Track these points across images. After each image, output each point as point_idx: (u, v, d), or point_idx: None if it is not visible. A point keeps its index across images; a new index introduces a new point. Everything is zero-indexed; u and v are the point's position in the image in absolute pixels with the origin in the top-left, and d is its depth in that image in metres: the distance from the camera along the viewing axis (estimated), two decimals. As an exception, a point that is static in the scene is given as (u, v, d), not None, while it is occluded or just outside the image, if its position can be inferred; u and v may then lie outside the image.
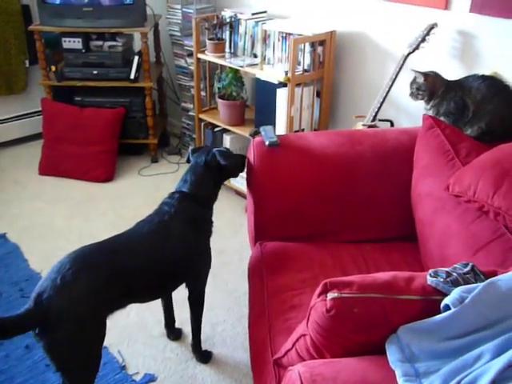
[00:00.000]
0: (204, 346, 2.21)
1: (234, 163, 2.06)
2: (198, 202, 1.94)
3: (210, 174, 1.98)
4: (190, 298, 2.06)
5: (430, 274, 1.27)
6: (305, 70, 2.84)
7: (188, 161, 2.08)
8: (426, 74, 2.17)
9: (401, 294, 1.22)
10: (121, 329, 2.31)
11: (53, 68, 3.53)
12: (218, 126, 3.41)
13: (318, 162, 2.10)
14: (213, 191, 2.02)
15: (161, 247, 1.81)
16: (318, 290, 1.23)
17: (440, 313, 1.20)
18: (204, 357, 2.17)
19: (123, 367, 2.12)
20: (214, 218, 2.03)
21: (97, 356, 1.68)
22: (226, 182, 3.33)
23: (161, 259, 1.80)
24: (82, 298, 1.58)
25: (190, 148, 2.13)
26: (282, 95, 2.85)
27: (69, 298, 1.56)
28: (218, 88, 3.28)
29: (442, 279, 1.24)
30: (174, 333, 2.28)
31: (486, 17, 2.26)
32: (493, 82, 2.08)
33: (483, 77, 2.09)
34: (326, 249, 1.98)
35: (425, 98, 2.19)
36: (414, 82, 2.21)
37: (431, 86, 2.16)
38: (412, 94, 2.23)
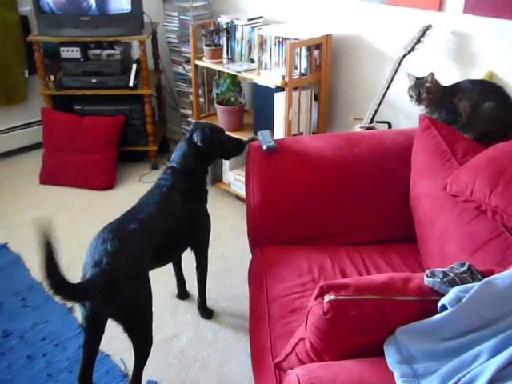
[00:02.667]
0: (206, 352, 2.23)
1: (217, 146, 2.18)
2: (187, 174, 2.15)
3: (191, 151, 2.15)
4: (197, 264, 2.33)
5: (427, 275, 1.27)
6: (302, 74, 2.85)
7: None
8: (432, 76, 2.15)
9: (398, 295, 1.23)
10: (123, 337, 2.30)
11: (52, 77, 3.56)
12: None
13: (316, 165, 2.10)
14: (198, 165, 2.18)
15: (169, 213, 2.06)
16: (315, 292, 1.23)
17: (437, 313, 1.20)
18: (208, 313, 2.44)
19: (125, 375, 2.12)
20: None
21: (151, 311, 1.88)
22: (225, 188, 3.38)
23: (172, 223, 2.06)
24: (134, 259, 1.82)
25: (194, 121, 2.22)
26: (279, 99, 2.85)
27: (125, 260, 1.78)
28: (217, 94, 3.29)
29: (438, 279, 1.25)
30: (184, 294, 2.57)
31: (480, 17, 2.27)
32: (485, 87, 2.08)
33: (475, 82, 2.09)
34: (326, 252, 1.98)
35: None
36: (420, 85, 2.16)
37: (435, 91, 2.15)
38: (418, 100, 2.17)
